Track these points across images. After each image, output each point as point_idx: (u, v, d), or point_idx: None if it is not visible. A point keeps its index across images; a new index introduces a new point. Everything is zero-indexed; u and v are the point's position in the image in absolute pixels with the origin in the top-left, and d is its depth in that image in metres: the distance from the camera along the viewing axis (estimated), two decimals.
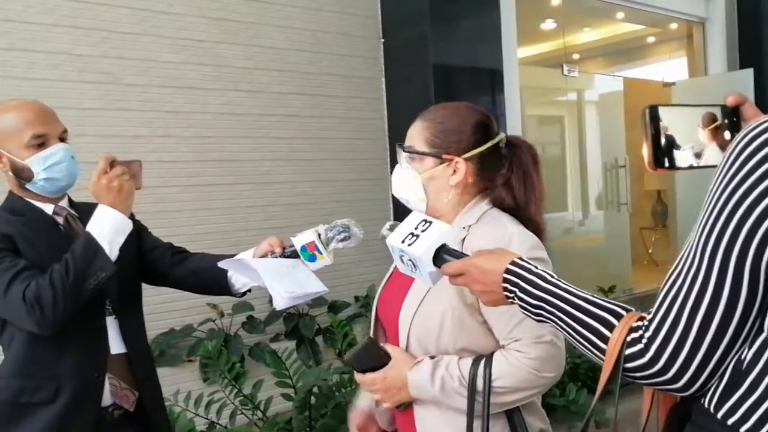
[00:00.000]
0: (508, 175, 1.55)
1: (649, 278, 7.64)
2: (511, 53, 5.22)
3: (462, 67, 4.82)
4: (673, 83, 7.63)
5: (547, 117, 7.56)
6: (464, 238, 1.48)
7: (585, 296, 1.04)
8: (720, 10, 7.68)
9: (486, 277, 1.14)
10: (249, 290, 1.99)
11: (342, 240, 1.69)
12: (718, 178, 0.91)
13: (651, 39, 8.20)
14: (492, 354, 1.43)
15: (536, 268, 1.10)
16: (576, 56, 7.79)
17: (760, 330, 0.91)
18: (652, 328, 0.95)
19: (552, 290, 1.07)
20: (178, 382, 3.52)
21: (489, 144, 1.55)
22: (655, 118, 1.08)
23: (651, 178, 8.78)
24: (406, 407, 1.51)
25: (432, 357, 1.46)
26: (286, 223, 4.17)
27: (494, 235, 1.45)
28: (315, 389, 3.04)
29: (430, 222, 1.25)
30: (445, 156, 1.52)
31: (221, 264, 1.83)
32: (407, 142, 1.57)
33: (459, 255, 1.22)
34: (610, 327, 0.99)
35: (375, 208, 4.61)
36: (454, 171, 1.52)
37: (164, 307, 3.77)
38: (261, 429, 3.17)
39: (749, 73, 6.99)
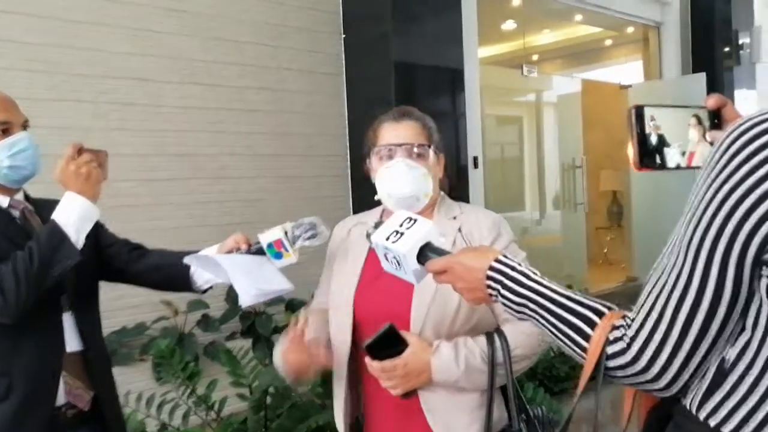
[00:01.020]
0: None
1: (604, 277, 7.78)
2: (472, 53, 5.24)
3: (423, 66, 4.81)
4: (630, 86, 7.78)
5: (507, 117, 7.63)
6: (459, 228, 1.60)
7: (568, 294, 1.04)
8: (674, 15, 7.84)
9: (470, 275, 1.14)
10: (211, 287, 1.95)
11: (309, 238, 1.67)
12: (703, 175, 0.90)
13: (608, 42, 8.34)
14: (498, 329, 1.53)
15: (520, 265, 1.12)
16: (535, 57, 7.87)
17: (743, 329, 0.91)
18: (634, 326, 0.94)
19: (535, 288, 1.07)
20: (129, 382, 3.43)
21: None
22: (641, 118, 1.08)
23: (607, 178, 8.93)
24: (411, 395, 1.53)
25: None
26: (243, 218, 4.11)
27: (487, 221, 1.61)
28: (271, 389, 3.00)
29: (415, 220, 1.26)
30: (437, 151, 1.68)
31: (186, 259, 1.79)
32: (410, 140, 1.63)
33: (443, 252, 1.22)
34: (593, 325, 0.98)
35: (334, 204, 4.58)
36: (439, 165, 1.69)
37: (116, 305, 3.67)
38: (214, 430, 3.11)
39: (702, 77, 7.16)
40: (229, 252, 1.77)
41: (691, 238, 0.90)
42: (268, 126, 4.35)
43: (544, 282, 1.08)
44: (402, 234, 1.24)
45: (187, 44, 4.00)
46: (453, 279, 1.18)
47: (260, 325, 3.98)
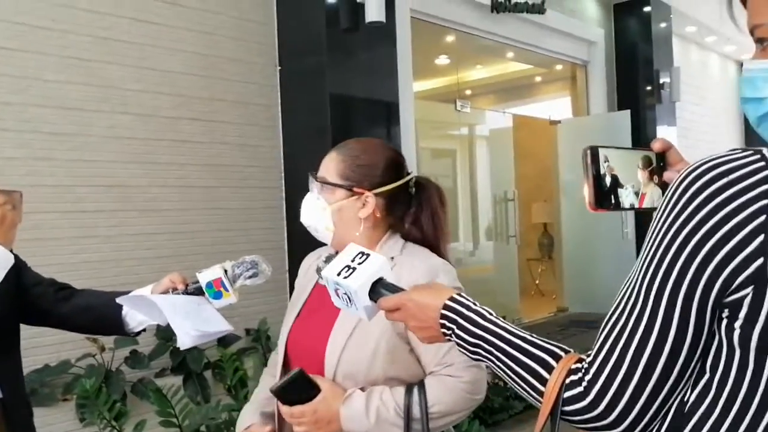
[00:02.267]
0: (417, 213, 1.61)
1: (536, 308, 7.92)
2: (407, 87, 5.31)
3: (359, 98, 4.84)
4: (559, 121, 8.01)
5: (441, 150, 7.74)
6: (392, 268, 1.51)
7: (524, 336, 1.01)
8: (600, 54, 8.17)
9: (423, 313, 1.10)
10: (144, 329, 1.87)
11: (250, 277, 1.64)
12: (661, 218, 0.89)
13: (538, 78, 8.60)
14: (422, 381, 1.45)
15: (475, 304, 1.08)
16: (468, 92, 8.04)
17: (702, 372, 0.90)
18: (592, 370, 0.92)
19: (490, 328, 1.03)
20: (51, 423, 3.28)
21: (400, 182, 1.60)
22: (596, 159, 1.08)
23: (538, 211, 9.14)
24: None
25: (361, 389, 1.45)
26: (173, 251, 4.01)
27: (424, 265, 1.51)
28: (203, 428, 2.90)
29: (367, 255, 1.22)
30: (356, 189, 1.55)
31: (119, 300, 1.71)
32: (321, 172, 1.59)
33: (396, 289, 1.18)
34: (549, 368, 0.96)
35: (268, 237, 4.52)
36: (363, 204, 1.56)
37: (37, 342, 3.51)
38: None
39: (627, 114, 7.45)
40: (165, 292, 1.70)
41: (652, 281, 0.89)
42: (201, 157, 4.28)
43: (500, 323, 1.05)
44: (353, 269, 1.19)
45: (117, 73, 3.91)
46: (406, 317, 1.13)
47: (192, 361, 3.86)
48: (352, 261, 1.21)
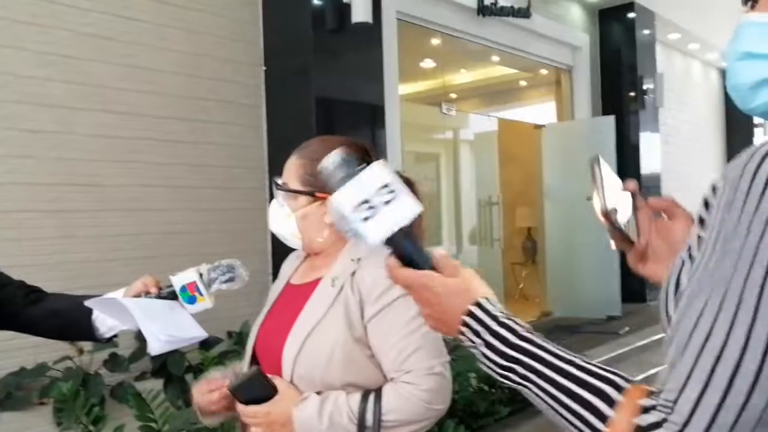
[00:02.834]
0: None
1: (520, 312, 7.87)
2: (392, 89, 5.29)
3: (344, 100, 4.81)
4: (544, 126, 8.02)
5: (426, 153, 7.72)
6: (354, 272, 1.43)
7: (571, 359, 0.84)
8: (585, 59, 8.20)
9: (441, 311, 0.92)
10: (115, 335, 1.80)
11: (226, 281, 1.57)
12: (734, 207, 0.73)
13: (523, 83, 8.61)
14: (380, 388, 1.39)
15: (504, 315, 0.90)
16: (453, 96, 8.03)
17: None
18: (682, 412, 0.72)
19: (527, 349, 0.85)
20: (27, 428, 3.20)
21: None
22: (602, 169, 1.05)
23: (522, 215, 9.14)
24: None
25: (318, 393, 1.39)
26: (156, 252, 3.95)
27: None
28: None
29: (394, 192, 0.92)
30: (318, 194, 1.47)
31: (88, 303, 1.62)
32: (283, 178, 1.53)
33: (420, 255, 0.92)
34: (611, 403, 0.78)
35: (252, 238, 4.47)
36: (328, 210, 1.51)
37: (14, 344, 3.43)
38: None
39: (611, 119, 7.47)
40: (137, 296, 1.63)
41: (745, 289, 0.70)
42: (184, 157, 4.22)
43: (538, 341, 0.86)
44: (374, 209, 0.90)
45: (99, 70, 3.84)
46: (419, 301, 0.93)
47: (172, 365, 3.78)
48: (374, 195, 0.91)
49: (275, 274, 4.95)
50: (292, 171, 1.51)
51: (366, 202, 0.91)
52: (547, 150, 7.85)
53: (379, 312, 1.38)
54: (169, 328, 1.54)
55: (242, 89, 4.58)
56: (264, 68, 4.71)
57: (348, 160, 0.96)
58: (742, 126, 11.72)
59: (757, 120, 11.77)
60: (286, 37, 4.70)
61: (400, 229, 0.90)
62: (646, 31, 8.62)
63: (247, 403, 1.39)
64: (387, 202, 0.91)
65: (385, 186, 0.92)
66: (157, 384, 3.72)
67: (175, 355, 3.81)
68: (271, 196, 5.03)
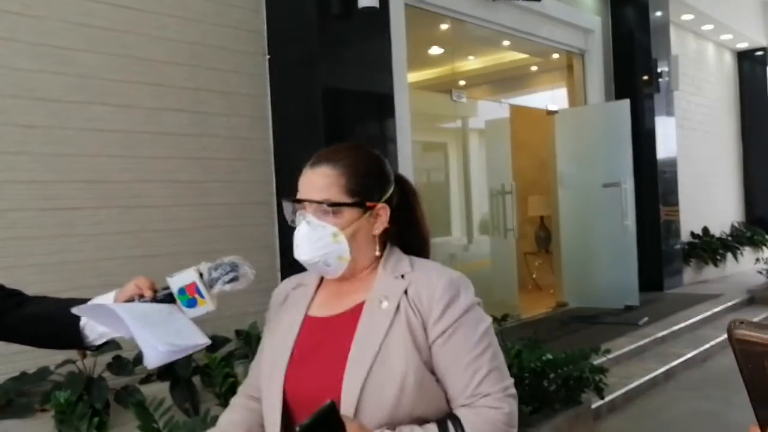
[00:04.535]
0: (411, 213, 1.44)
1: (535, 303, 7.74)
2: (401, 77, 5.12)
3: (352, 89, 4.64)
4: (556, 111, 7.83)
5: (435, 142, 7.54)
6: (406, 289, 1.31)
7: None
8: (597, 43, 7.99)
9: None
10: (107, 342, 1.63)
11: (229, 281, 1.38)
12: None
13: (534, 68, 8.41)
14: (452, 416, 1.26)
15: None
16: (463, 83, 7.84)
17: None
18: None
19: None
20: None
21: (394, 184, 1.41)
22: None
23: (534, 204, 8.97)
24: None
25: (389, 428, 1.24)
26: (158, 250, 3.82)
27: (441, 282, 1.30)
28: None
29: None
30: (369, 204, 1.34)
31: (75, 310, 1.45)
32: (317, 194, 1.33)
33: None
34: None
35: (258, 234, 4.32)
36: (376, 219, 1.36)
37: (14, 348, 3.27)
38: None
39: (626, 103, 7.27)
40: (130, 300, 1.45)
41: None
42: (186, 150, 4.08)
43: None
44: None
45: (95, 62, 3.70)
46: None
47: (179, 367, 3.65)
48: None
49: (283, 271, 4.82)
50: (330, 183, 1.32)
51: None
52: (561, 136, 7.67)
53: (445, 331, 1.27)
54: (168, 336, 1.37)
55: (245, 79, 4.42)
56: (268, 57, 4.54)
57: None
58: (757, 109, 11.46)
59: None
60: (291, 24, 4.53)
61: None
62: (660, 12, 8.39)
63: None
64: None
65: None
66: (163, 387, 3.59)
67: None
68: (278, 190, 4.79)
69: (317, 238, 1.33)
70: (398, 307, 1.28)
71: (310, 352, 1.36)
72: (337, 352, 1.29)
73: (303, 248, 1.35)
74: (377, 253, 1.36)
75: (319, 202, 1.32)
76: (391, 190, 1.38)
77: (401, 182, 1.43)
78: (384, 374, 1.24)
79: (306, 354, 1.36)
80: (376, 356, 1.25)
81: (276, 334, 1.44)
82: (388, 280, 1.33)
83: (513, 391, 1.28)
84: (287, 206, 1.37)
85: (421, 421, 1.24)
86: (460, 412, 1.25)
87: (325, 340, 1.33)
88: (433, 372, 1.27)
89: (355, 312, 1.31)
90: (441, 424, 1.24)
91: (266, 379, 1.40)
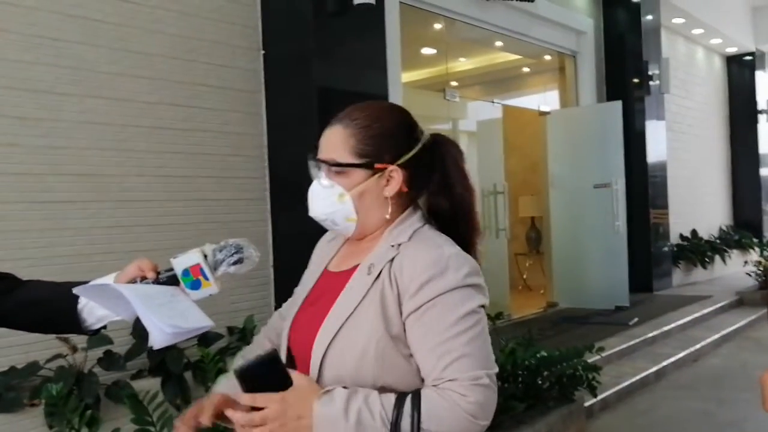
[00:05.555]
0: (444, 179, 1.35)
1: (526, 303, 7.75)
2: (395, 75, 5.11)
3: (345, 86, 4.62)
4: (548, 112, 7.84)
5: None
6: (393, 258, 1.26)
7: None
8: (590, 44, 8.02)
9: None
10: (104, 326, 1.59)
11: (234, 263, 1.36)
12: None
13: (526, 69, 8.43)
14: (418, 390, 1.19)
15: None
16: (455, 83, 7.85)
17: None
18: None
19: None
20: (17, 431, 3.03)
21: (420, 145, 1.34)
22: None
23: (526, 204, 8.98)
24: None
25: (344, 387, 1.19)
26: (152, 245, 3.78)
27: (429, 257, 1.24)
28: None
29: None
30: (377, 165, 1.30)
31: (76, 290, 1.41)
32: (326, 154, 1.33)
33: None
34: None
35: (252, 230, 4.29)
36: (388, 181, 1.31)
37: (3, 342, 3.29)
38: None
39: (618, 105, 7.29)
40: (132, 281, 1.42)
41: None
42: (180, 145, 4.05)
43: None
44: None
45: (89, 54, 3.66)
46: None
47: (171, 362, 3.62)
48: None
49: (277, 267, 4.79)
50: (339, 143, 1.31)
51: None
52: (552, 137, 7.68)
53: (418, 308, 1.20)
54: (173, 318, 1.34)
55: (240, 74, 4.40)
56: (263, 52, 4.52)
57: None
58: (745, 113, 11.55)
59: (760, 107, 11.61)
60: (286, 20, 4.51)
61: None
62: (651, 16, 8.44)
63: (253, 392, 1.16)
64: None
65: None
66: (154, 383, 3.56)
67: (173, 352, 3.64)
68: (272, 187, 4.78)
69: (324, 197, 1.32)
70: (379, 275, 1.25)
71: (311, 304, 1.36)
72: (324, 310, 1.29)
73: (312, 206, 1.35)
74: (387, 216, 1.32)
75: (326, 162, 1.32)
76: (412, 153, 1.33)
77: (437, 144, 1.38)
78: (348, 340, 1.23)
79: (308, 306, 1.37)
80: (345, 321, 1.24)
81: (303, 282, 1.45)
82: (384, 248, 1.30)
83: (486, 381, 1.18)
84: (311, 163, 1.35)
85: (387, 392, 1.20)
86: (425, 390, 1.19)
87: (323, 296, 1.33)
88: (407, 346, 1.23)
89: (350, 273, 1.31)
90: (400, 396, 1.18)
91: (283, 322, 1.43)
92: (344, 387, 1.19)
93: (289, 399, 1.16)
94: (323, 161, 1.32)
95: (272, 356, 1.17)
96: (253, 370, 1.15)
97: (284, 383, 1.17)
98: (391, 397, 1.17)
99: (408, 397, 1.17)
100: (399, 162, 1.31)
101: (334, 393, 1.17)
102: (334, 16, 4.41)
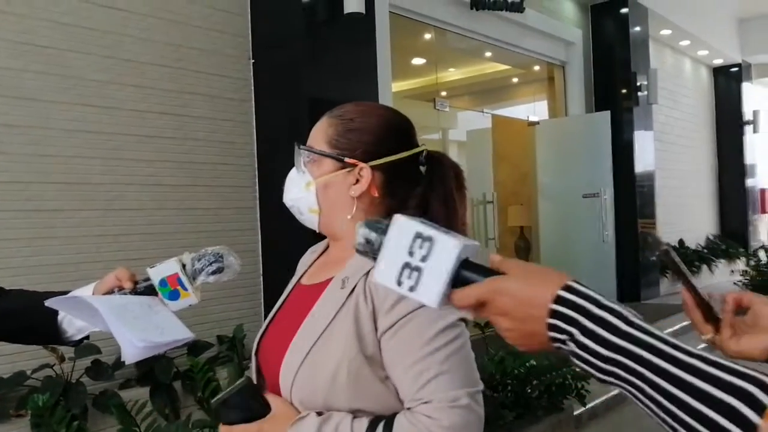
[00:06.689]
0: (425, 195, 1.25)
1: None
2: (386, 85, 5.12)
3: (336, 94, 4.62)
4: (537, 122, 7.88)
5: None
6: (369, 271, 1.15)
7: (697, 352, 0.66)
8: (578, 55, 8.08)
9: (522, 310, 0.72)
10: (87, 337, 1.57)
11: (214, 273, 1.33)
12: None
13: (515, 80, 8.47)
14: (393, 416, 1.12)
15: (605, 299, 0.72)
16: (444, 93, 7.88)
17: None
18: None
19: (641, 339, 0.66)
20: None
21: (405, 153, 1.27)
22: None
23: (514, 214, 9.00)
24: None
25: (318, 413, 1.15)
26: (140, 254, 3.75)
27: None
28: None
29: (430, 239, 0.79)
30: (347, 160, 1.24)
31: (49, 303, 1.37)
32: (309, 141, 1.29)
33: (482, 272, 0.78)
34: (758, 407, 0.60)
35: (241, 239, 4.27)
36: (357, 180, 1.24)
37: None
38: None
39: (607, 115, 7.35)
40: (110, 292, 1.39)
41: None
42: (169, 154, 4.03)
43: (651, 328, 0.67)
44: (418, 271, 0.79)
45: (78, 62, 3.64)
46: (495, 315, 0.75)
47: (159, 371, 3.59)
48: (412, 254, 0.80)
49: (266, 276, 4.77)
50: (320, 132, 1.27)
51: (406, 266, 0.80)
52: (541, 147, 7.72)
53: (393, 325, 1.12)
54: (147, 331, 1.30)
55: (230, 83, 4.39)
56: (252, 61, 4.52)
57: (371, 231, 0.85)
58: (732, 124, 11.65)
59: (746, 118, 11.72)
60: (276, 28, 4.51)
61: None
62: (639, 27, 8.51)
63: (232, 423, 1.15)
64: (425, 258, 0.79)
65: (418, 237, 0.80)
66: (143, 392, 3.53)
67: (162, 361, 3.62)
68: (261, 196, 4.77)
69: (294, 184, 1.29)
70: (353, 290, 1.17)
71: (280, 321, 1.31)
72: (293, 327, 1.22)
73: (285, 191, 1.32)
74: (349, 217, 1.24)
75: (300, 147, 1.28)
76: (392, 158, 1.25)
77: (435, 160, 1.29)
78: (319, 360, 1.15)
79: (277, 322, 1.32)
80: (317, 340, 1.17)
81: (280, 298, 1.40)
82: (360, 259, 1.14)
83: (464, 402, 1.08)
84: (296, 151, 1.31)
85: (364, 416, 1.13)
86: (399, 416, 1.11)
87: (292, 311, 1.27)
88: (382, 367, 1.15)
89: (323, 286, 1.23)
90: (373, 422, 1.11)
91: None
92: (318, 413, 1.14)
93: (266, 428, 1.14)
94: (299, 146, 1.28)
95: (246, 385, 1.15)
96: (230, 401, 1.14)
97: (263, 410, 1.15)
98: (363, 422, 1.11)
99: (381, 424, 1.11)
100: (373, 163, 1.24)
101: (305, 420, 1.13)
102: (324, 25, 4.42)
